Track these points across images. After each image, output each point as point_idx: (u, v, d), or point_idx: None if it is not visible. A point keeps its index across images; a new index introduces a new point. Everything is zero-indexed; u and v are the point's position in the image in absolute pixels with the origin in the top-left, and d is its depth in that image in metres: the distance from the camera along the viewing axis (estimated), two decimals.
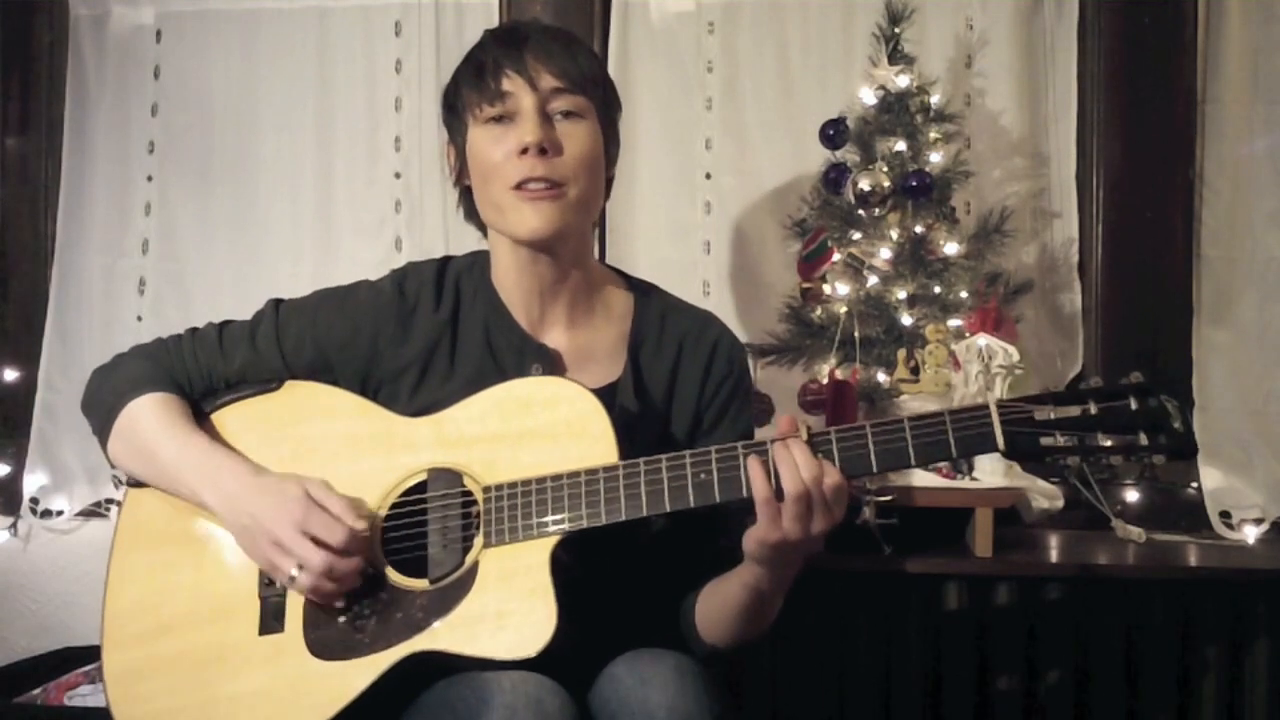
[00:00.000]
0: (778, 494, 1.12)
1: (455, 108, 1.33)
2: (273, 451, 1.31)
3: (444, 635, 1.17)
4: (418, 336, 1.34)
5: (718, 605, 1.27)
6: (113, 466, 1.37)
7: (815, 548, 1.15)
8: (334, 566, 1.19)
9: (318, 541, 1.19)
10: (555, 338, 1.36)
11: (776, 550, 1.14)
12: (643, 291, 1.42)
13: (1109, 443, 1.09)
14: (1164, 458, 1.11)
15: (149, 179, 2.38)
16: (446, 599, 1.18)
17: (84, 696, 1.94)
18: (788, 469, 1.11)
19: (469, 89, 1.29)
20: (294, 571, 1.20)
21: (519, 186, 1.26)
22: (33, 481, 2.34)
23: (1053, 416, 1.10)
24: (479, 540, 1.20)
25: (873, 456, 1.13)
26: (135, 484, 1.36)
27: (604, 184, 1.35)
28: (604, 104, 1.32)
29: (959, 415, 1.12)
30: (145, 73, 2.38)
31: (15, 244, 2.44)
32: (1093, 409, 1.10)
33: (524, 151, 1.24)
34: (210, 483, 1.27)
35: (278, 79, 2.35)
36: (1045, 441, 1.10)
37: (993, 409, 1.11)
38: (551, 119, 1.27)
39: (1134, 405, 1.10)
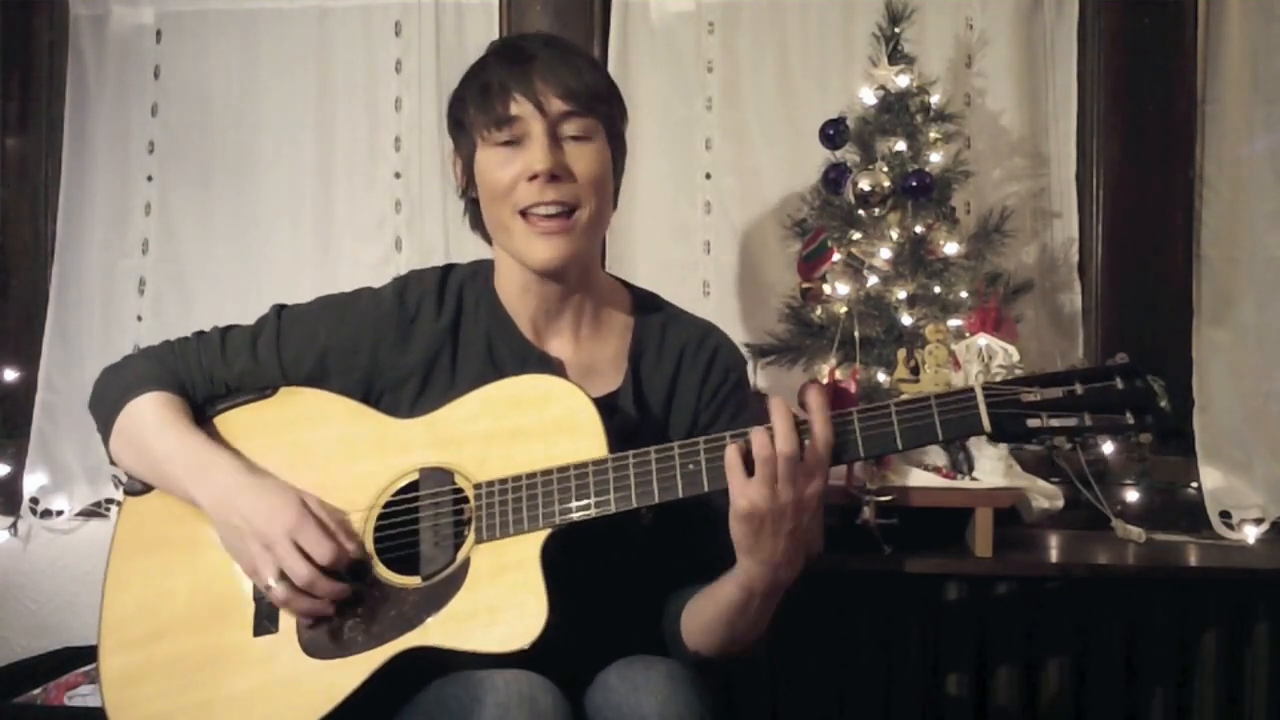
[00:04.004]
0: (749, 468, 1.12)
1: (462, 124, 1.31)
2: (269, 457, 1.31)
3: (436, 631, 1.17)
4: (418, 346, 1.34)
5: (707, 606, 1.25)
6: (113, 464, 1.37)
7: (794, 540, 1.13)
8: (316, 584, 1.19)
9: (305, 556, 1.19)
10: (559, 348, 1.36)
11: (750, 524, 1.12)
12: (645, 302, 1.43)
13: (1096, 423, 1.09)
14: (1151, 436, 1.10)
15: (149, 179, 2.38)
16: (438, 595, 1.19)
17: (84, 696, 1.95)
18: (757, 435, 1.11)
19: (476, 110, 1.27)
20: (272, 580, 1.20)
21: (527, 213, 1.26)
22: (33, 481, 2.34)
23: (1039, 398, 1.10)
24: (470, 537, 1.20)
25: (860, 441, 1.13)
26: (132, 492, 1.36)
27: (612, 198, 1.35)
28: (611, 120, 1.32)
29: (945, 399, 1.12)
30: (145, 73, 2.38)
31: (15, 244, 2.44)
32: (1079, 390, 1.10)
33: (533, 177, 1.24)
34: (202, 479, 1.27)
35: (278, 79, 2.35)
36: (1032, 423, 1.10)
37: (978, 392, 1.11)
38: (561, 141, 1.26)
39: (1120, 385, 1.10)
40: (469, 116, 1.29)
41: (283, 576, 1.19)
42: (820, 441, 1.11)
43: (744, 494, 1.11)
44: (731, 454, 1.12)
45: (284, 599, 1.20)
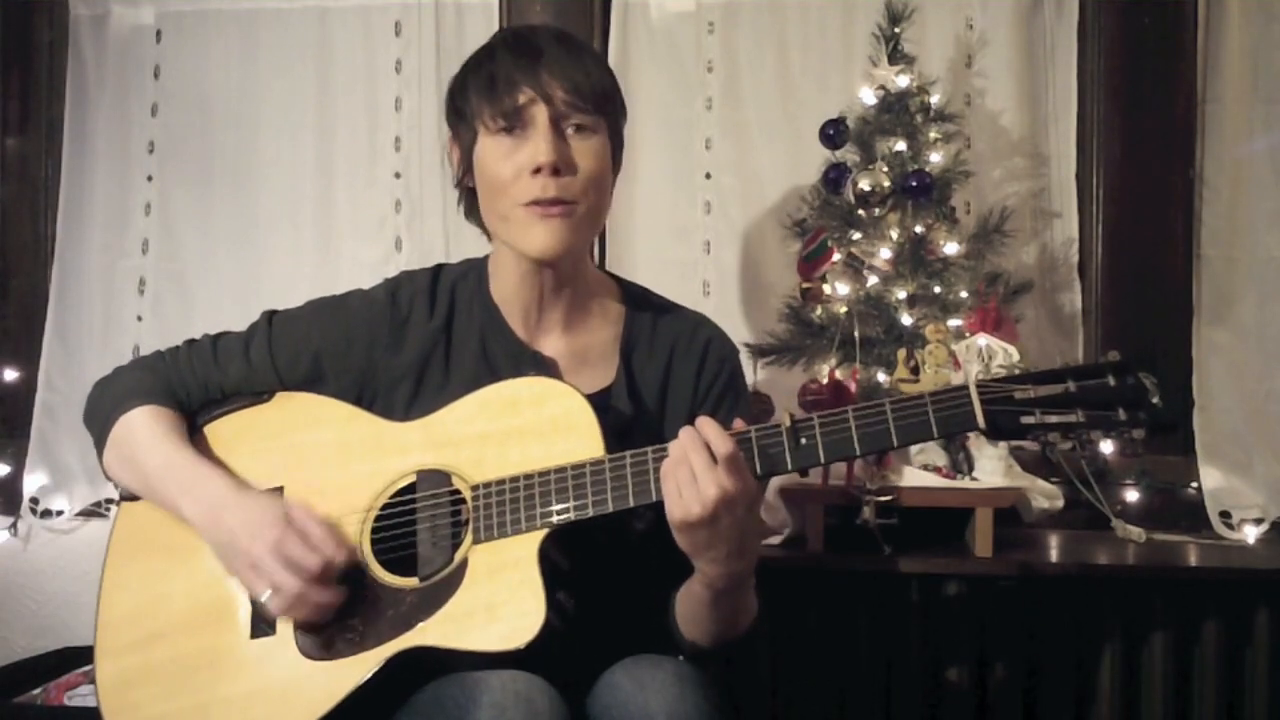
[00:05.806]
0: None
1: (463, 113, 1.30)
2: (265, 462, 1.31)
3: (434, 631, 1.16)
4: (411, 345, 1.34)
5: (687, 602, 1.27)
6: (108, 478, 1.37)
7: (736, 534, 1.13)
8: (307, 595, 1.19)
9: (294, 567, 1.19)
10: (551, 344, 1.36)
11: (686, 531, 1.12)
12: (635, 295, 1.42)
13: (1089, 419, 1.11)
14: (1143, 432, 1.12)
15: (149, 179, 2.38)
16: (436, 595, 1.18)
17: (84, 696, 1.95)
18: (671, 446, 1.13)
19: (480, 98, 1.26)
20: (266, 595, 1.20)
21: (529, 204, 1.25)
22: (33, 481, 2.34)
23: (1033, 395, 1.11)
24: (468, 537, 1.20)
25: (855, 439, 1.14)
26: (128, 497, 1.36)
27: (610, 194, 1.34)
28: (614, 119, 1.31)
29: (939, 396, 1.13)
30: (145, 73, 2.38)
31: (15, 244, 2.44)
32: (1072, 387, 1.11)
33: (537, 170, 1.23)
34: (191, 496, 1.26)
35: (278, 79, 2.35)
36: (1026, 420, 1.11)
37: (972, 389, 1.12)
38: (564, 134, 1.25)
39: (1112, 382, 1.11)
40: (471, 105, 1.27)
41: (275, 591, 1.19)
42: (722, 451, 1.11)
43: (675, 501, 1.11)
44: (665, 465, 1.13)
45: (279, 611, 1.20)
